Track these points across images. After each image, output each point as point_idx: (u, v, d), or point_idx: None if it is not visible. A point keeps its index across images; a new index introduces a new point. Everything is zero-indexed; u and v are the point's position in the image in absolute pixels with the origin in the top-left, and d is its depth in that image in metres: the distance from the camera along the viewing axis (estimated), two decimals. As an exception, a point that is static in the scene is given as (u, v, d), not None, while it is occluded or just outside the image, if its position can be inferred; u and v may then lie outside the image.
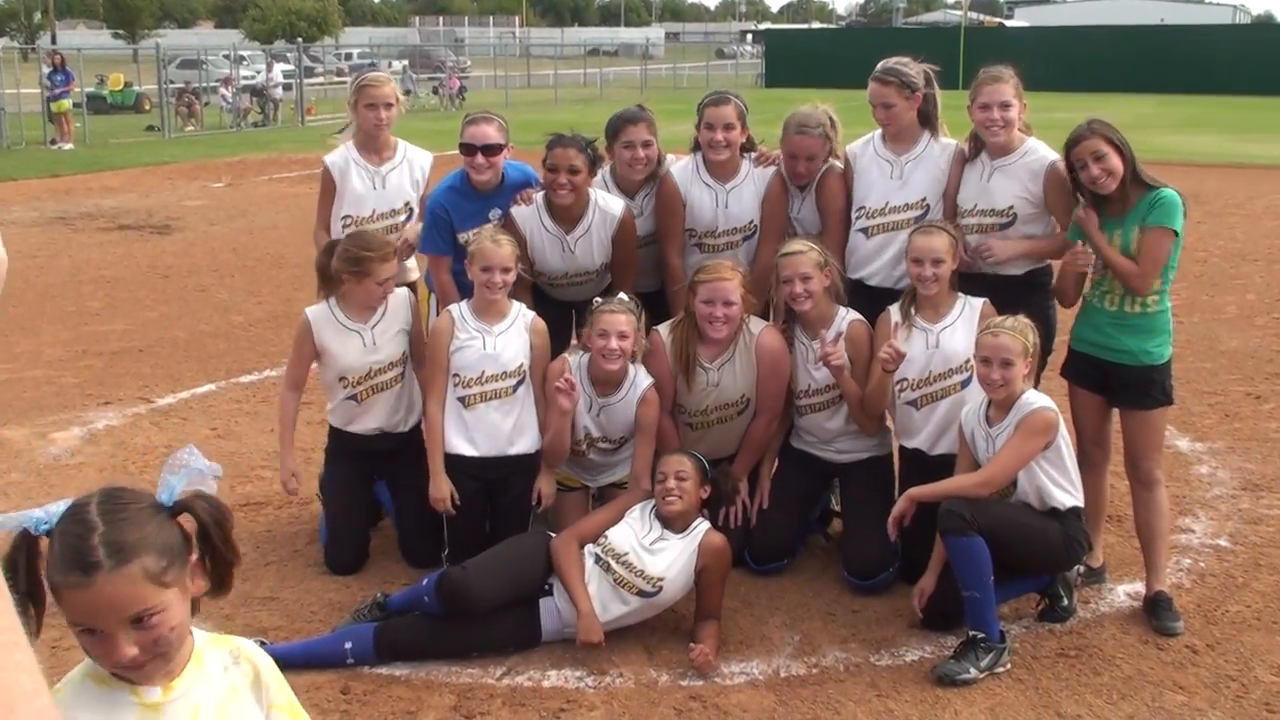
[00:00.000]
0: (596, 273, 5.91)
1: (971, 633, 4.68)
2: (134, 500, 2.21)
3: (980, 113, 5.41)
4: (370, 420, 5.69)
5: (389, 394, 5.69)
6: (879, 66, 5.63)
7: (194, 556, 2.26)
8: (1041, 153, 5.47)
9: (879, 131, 5.78)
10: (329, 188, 6.17)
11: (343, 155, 6.17)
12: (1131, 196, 5.05)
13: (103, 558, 2.11)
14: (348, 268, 5.47)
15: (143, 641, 2.15)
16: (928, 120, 5.69)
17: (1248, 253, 13.93)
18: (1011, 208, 5.46)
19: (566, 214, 5.76)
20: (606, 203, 5.81)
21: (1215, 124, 33.42)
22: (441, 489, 5.41)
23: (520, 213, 5.82)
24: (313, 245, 6.15)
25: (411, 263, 6.31)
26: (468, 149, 5.83)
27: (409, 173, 6.18)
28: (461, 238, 5.86)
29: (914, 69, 5.62)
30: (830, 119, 5.82)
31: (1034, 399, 4.84)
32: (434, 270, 6.06)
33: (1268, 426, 7.68)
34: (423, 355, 5.63)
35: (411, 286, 6.12)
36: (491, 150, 5.82)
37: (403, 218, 6.12)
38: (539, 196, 5.82)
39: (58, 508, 2.20)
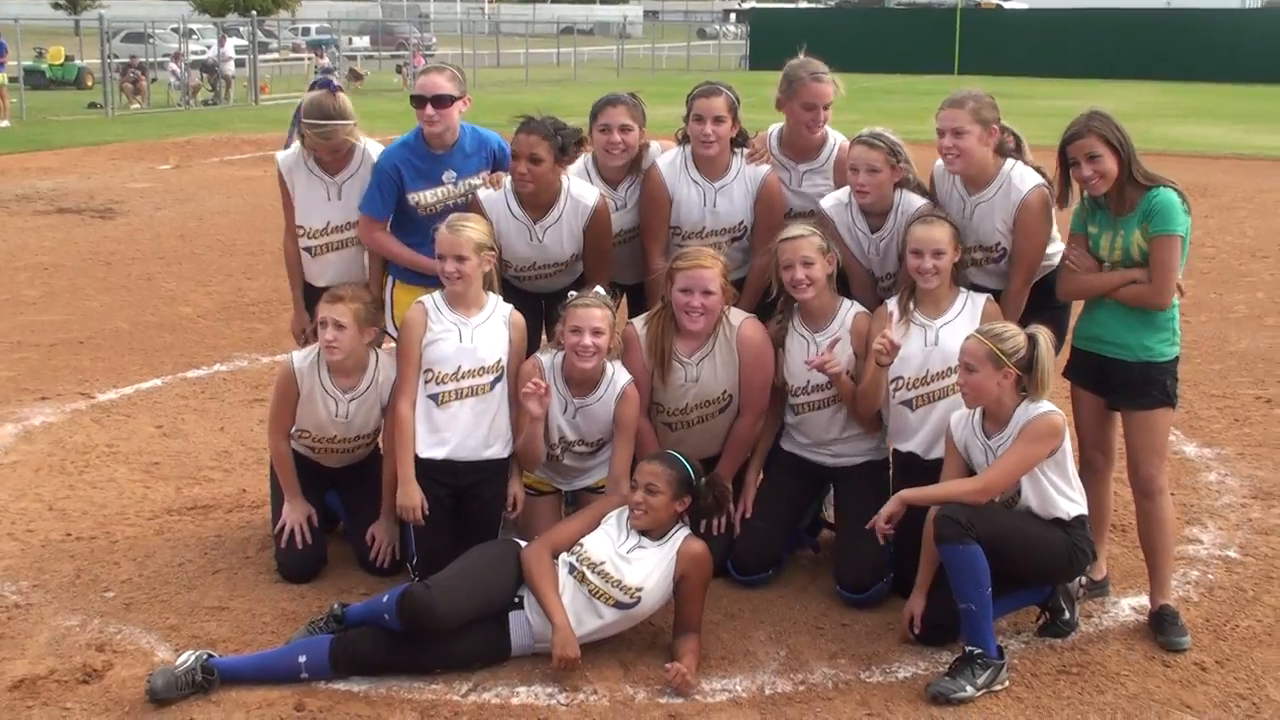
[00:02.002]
0: (566, 264, 5.88)
1: (968, 648, 4.68)
2: None
3: (938, 138, 5.36)
4: (326, 462, 5.76)
5: (349, 455, 5.75)
6: (951, 95, 5.43)
7: None
8: (1016, 184, 5.36)
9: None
10: (285, 191, 6.05)
11: (295, 156, 6.00)
12: (1129, 198, 5.06)
13: None
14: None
15: None
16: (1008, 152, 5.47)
17: (1257, 249, 14.03)
18: (999, 244, 5.45)
19: (535, 201, 5.72)
20: (580, 191, 5.77)
21: (1224, 113, 33.66)
22: (412, 497, 5.32)
23: (488, 197, 5.77)
24: (264, 235, 6.13)
25: None
26: (418, 100, 5.79)
27: (361, 186, 5.95)
28: (412, 199, 5.84)
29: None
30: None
31: (1038, 404, 4.86)
32: (365, 232, 5.94)
33: (1278, 432, 7.71)
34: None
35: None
36: (442, 101, 5.77)
37: (353, 234, 6.01)
38: (508, 181, 5.79)
39: None
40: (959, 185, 5.48)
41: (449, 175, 5.88)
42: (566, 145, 5.64)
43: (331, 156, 5.89)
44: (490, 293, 5.52)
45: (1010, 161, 5.43)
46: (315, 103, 5.80)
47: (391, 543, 5.58)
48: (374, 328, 5.51)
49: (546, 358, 5.49)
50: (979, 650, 4.65)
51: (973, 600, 4.66)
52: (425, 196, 5.84)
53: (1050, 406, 4.87)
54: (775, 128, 5.98)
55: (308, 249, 6.03)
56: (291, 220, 6.06)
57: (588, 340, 5.26)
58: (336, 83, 6.07)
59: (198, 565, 5.69)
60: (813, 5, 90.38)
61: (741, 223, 5.86)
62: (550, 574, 4.85)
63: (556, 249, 5.81)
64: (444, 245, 5.36)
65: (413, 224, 5.84)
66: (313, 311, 5.69)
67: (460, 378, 5.37)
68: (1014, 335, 4.87)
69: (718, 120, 5.69)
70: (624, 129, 5.81)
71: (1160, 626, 5.09)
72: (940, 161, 5.55)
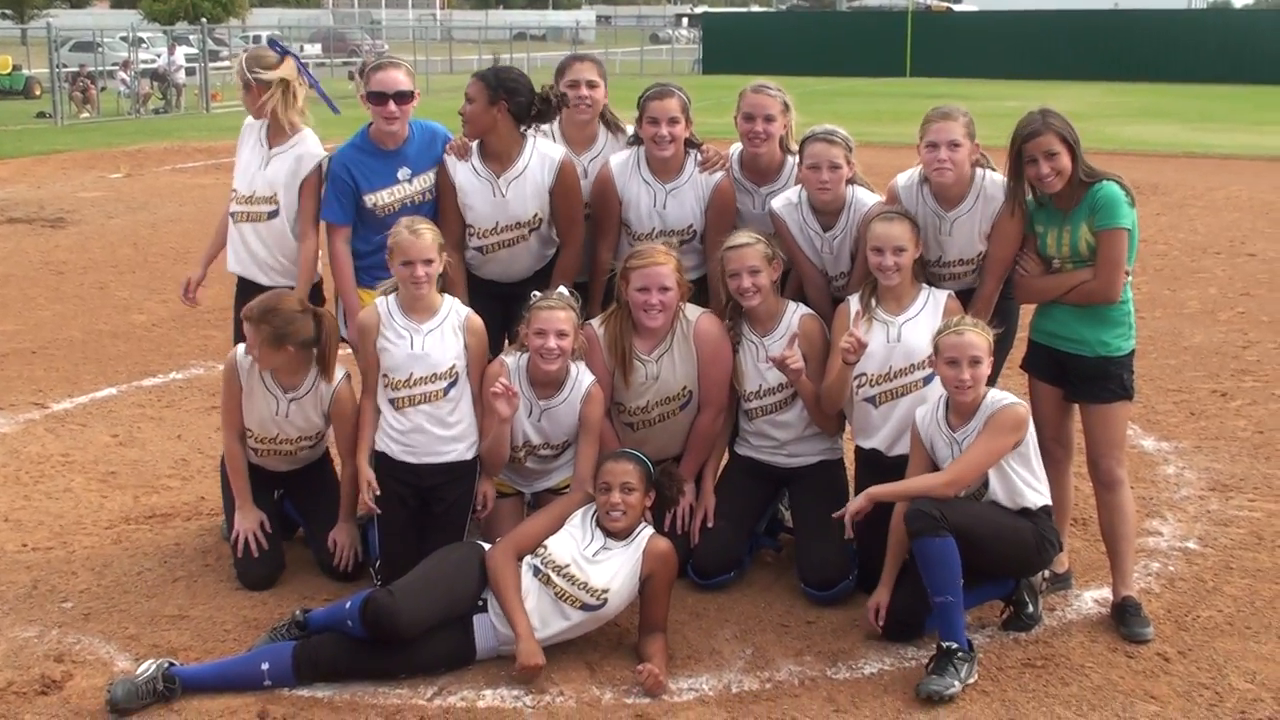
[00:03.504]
0: (529, 226, 5.82)
1: (944, 643, 4.68)
2: None
3: (928, 151, 5.31)
4: (271, 464, 5.70)
5: (292, 459, 5.70)
6: (941, 109, 5.38)
7: None
8: (991, 191, 5.35)
9: (917, 171, 5.49)
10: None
11: (257, 121, 6.02)
12: (1075, 194, 5.10)
13: None
14: None
15: None
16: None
17: (1209, 245, 14.17)
18: (980, 254, 5.45)
19: (499, 155, 5.73)
20: (546, 147, 5.79)
21: (1171, 113, 34.01)
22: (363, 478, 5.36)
23: (452, 160, 5.80)
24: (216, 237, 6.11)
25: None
26: (377, 97, 5.73)
27: (288, 164, 5.88)
28: (369, 200, 5.80)
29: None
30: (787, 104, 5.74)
31: (1001, 396, 4.90)
32: (329, 239, 5.92)
33: (1235, 425, 7.80)
34: (344, 437, 5.56)
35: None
36: (404, 98, 5.75)
37: (266, 209, 5.89)
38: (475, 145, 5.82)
39: None
40: (931, 203, 5.42)
41: (403, 172, 5.83)
42: (498, 90, 5.67)
43: (259, 114, 5.91)
44: (445, 295, 5.49)
45: (981, 172, 5.41)
46: (254, 52, 5.99)
47: (353, 546, 5.53)
48: (284, 348, 5.31)
49: (512, 359, 5.45)
50: (955, 645, 4.66)
51: (949, 592, 4.67)
52: (382, 196, 5.80)
53: (1013, 398, 4.92)
54: (736, 149, 5.91)
55: (232, 214, 5.98)
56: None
57: (552, 343, 5.23)
58: (284, 46, 6.13)
59: (157, 574, 5.63)
60: (764, 10, 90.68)
61: (691, 226, 5.84)
62: (514, 581, 4.82)
63: (519, 206, 5.77)
64: (410, 250, 5.26)
65: (376, 224, 5.76)
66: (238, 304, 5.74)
67: (413, 384, 5.34)
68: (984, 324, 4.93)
69: (672, 121, 5.68)
70: (590, 85, 5.94)
71: (1123, 618, 5.12)
72: (900, 178, 5.53)
